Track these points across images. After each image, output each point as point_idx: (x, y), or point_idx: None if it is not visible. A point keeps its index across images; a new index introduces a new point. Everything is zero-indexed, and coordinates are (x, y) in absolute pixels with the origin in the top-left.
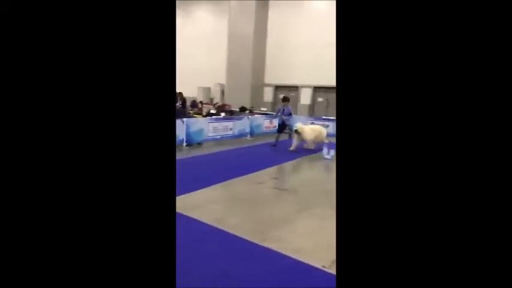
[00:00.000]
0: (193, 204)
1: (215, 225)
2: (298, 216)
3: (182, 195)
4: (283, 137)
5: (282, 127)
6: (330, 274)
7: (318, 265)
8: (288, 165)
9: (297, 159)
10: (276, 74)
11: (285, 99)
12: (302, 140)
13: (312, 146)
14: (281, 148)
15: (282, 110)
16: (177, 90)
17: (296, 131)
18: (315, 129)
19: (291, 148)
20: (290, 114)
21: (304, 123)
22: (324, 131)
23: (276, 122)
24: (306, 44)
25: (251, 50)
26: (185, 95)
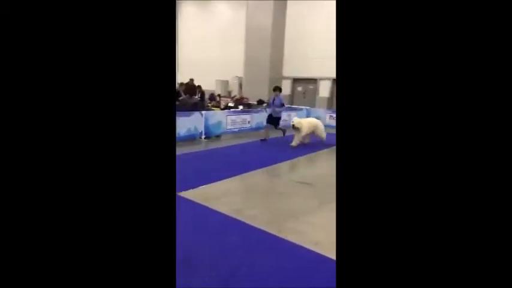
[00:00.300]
0: (212, 195)
1: (233, 216)
2: (316, 209)
3: (201, 187)
4: (277, 133)
5: (273, 120)
6: None
7: None
8: (306, 158)
9: (316, 152)
10: (294, 66)
11: (276, 89)
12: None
13: (306, 141)
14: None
15: (272, 100)
16: (196, 84)
17: (293, 126)
18: (311, 123)
19: (293, 144)
20: (282, 105)
21: (321, 116)
22: (321, 125)
23: (293, 115)
24: (325, 36)
25: (269, 42)
26: (203, 88)
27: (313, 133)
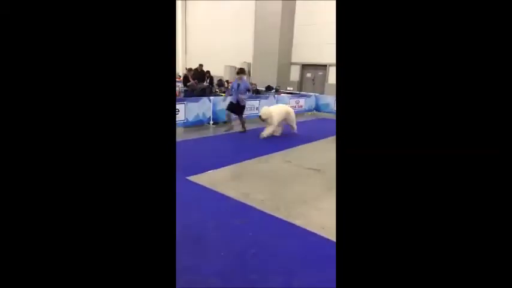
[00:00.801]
0: (219, 180)
1: (241, 200)
2: (324, 195)
3: (209, 171)
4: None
5: (236, 107)
6: None
7: None
8: (315, 145)
9: (328, 138)
10: (304, 52)
11: (241, 72)
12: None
13: (278, 132)
14: (309, 127)
15: (236, 86)
16: (204, 69)
17: (260, 117)
18: (281, 111)
19: (263, 134)
20: (248, 90)
21: (330, 103)
22: (292, 112)
23: (302, 101)
24: (335, 22)
25: (279, 28)
26: (212, 73)
27: (284, 121)
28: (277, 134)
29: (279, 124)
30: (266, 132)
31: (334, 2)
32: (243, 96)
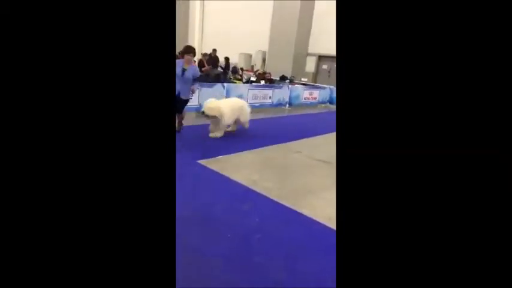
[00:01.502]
0: (228, 165)
1: (250, 186)
2: (332, 186)
3: (219, 157)
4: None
5: (178, 101)
6: None
7: None
8: (326, 137)
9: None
10: (321, 42)
11: (186, 51)
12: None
13: (233, 129)
14: (321, 119)
15: (180, 72)
16: (218, 55)
17: (203, 113)
18: (235, 106)
19: (213, 134)
20: (195, 80)
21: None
22: (246, 107)
23: (316, 93)
24: None
25: (297, 17)
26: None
27: (237, 119)
28: (232, 129)
29: (234, 122)
30: (216, 134)
31: None
32: (193, 88)
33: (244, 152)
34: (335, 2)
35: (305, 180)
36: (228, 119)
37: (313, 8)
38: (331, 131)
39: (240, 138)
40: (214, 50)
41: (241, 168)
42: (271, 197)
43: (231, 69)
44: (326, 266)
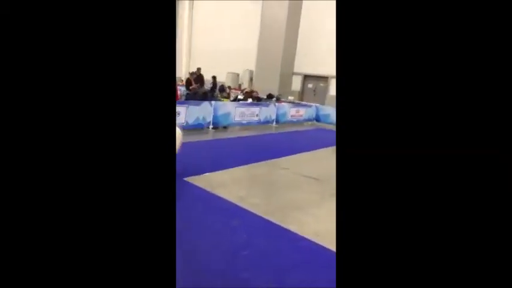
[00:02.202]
0: (216, 182)
1: (237, 203)
2: (319, 202)
3: (206, 174)
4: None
5: None
6: None
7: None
8: (314, 154)
9: (323, 149)
10: (306, 63)
11: None
12: None
13: None
14: (308, 136)
15: None
16: (209, 75)
17: None
18: None
19: None
20: None
21: (331, 114)
22: (180, 133)
23: (302, 111)
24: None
25: (283, 37)
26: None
27: None
28: None
29: None
30: None
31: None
32: None
33: (231, 169)
34: (316, 26)
35: (292, 197)
36: None
37: (298, 29)
38: (318, 148)
39: (227, 155)
40: (199, 69)
41: (228, 185)
42: (258, 213)
43: (218, 87)
44: (313, 282)
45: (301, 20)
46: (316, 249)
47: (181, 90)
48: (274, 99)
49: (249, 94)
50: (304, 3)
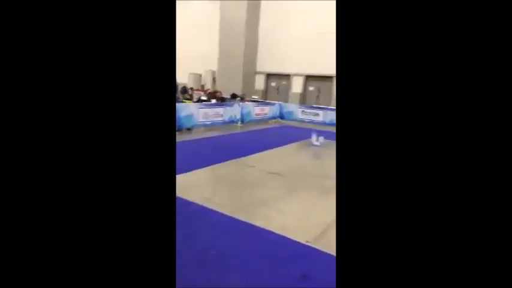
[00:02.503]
0: (182, 185)
1: (203, 204)
2: (285, 197)
3: None
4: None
5: None
6: (313, 248)
7: (302, 240)
8: (278, 150)
9: (288, 145)
10: (268, 62)
11: None
12: None
13: None
14: (273, 134)
15: None
16: None
17: None
18: None
19: None
20: None
21: (294, 111)
22: None
23: (266, 109)
24: (298, 32)
25: (243, 37)
26: (177, 81)
27: None
28: None
29: None
30: None
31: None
32: None
33: (197, 171)
34: (276, 25)
35: (258, 193)
36: None
37: (257, 28)
38: (282, 144)
39: (192, 157)
40: None
41: (193, 187)
42: (225, 213)
43: (180, 89)
44: (280, 275)
45: (261, 19)
46: (282, 241)
47: None
48: (238, 98)
49: (212, 95)
50: (263, 3)
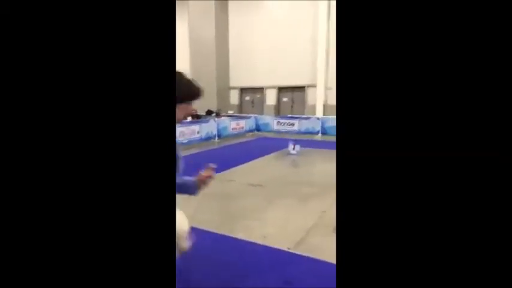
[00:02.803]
0: None
1: None
2: (265, 207)
3: None
4: None
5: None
6: (295, 254)
7: (284, 247)
8: (257, 162)
9: (266, 156)
10: (241, 76)
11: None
12: None
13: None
14: (251, 147)
15: None
16: None
17: None
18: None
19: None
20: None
21: (269, 123)
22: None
23: (242, 123)
24: (268, 46)
25: (214, 53)
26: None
27: None
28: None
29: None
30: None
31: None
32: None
33: None
34: (246, 40)
35: (239, 206)
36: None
37: (228, 44)
38: (261, 156)
39: None
40: None
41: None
42: (207, 229)
43: None
44: (264, 282)
45: (230, 35)
46: (264, 250)
47: None
48: (214, 114)
49: None
50: (230, 19)
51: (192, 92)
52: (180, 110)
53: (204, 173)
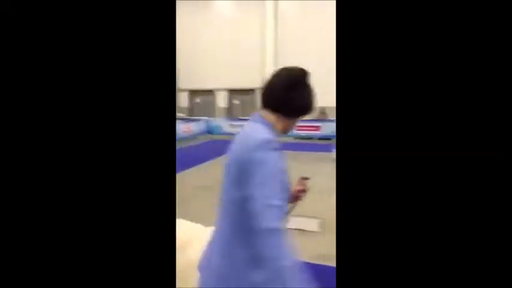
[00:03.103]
0: None
1: None
2: (211, 208)
3: None
4: None
5: None
6: None
7: None
8: (208, 165)
9: (217, 159)
10: (190, 78)
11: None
12: None
13: None
14: (202, 150)
15: None
16: None
17: None
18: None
19: None
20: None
21: (222, 125)
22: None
23: (193, 126)
24: (217, 48)
25: None
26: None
27: None
28: None
29: None
30: None
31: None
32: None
33: None
34: (195, 41)
35: (186, 209)
36: None
37: (175, 44)
38: (212, 158)
39: None
40: None
41: None
42: None
43: None
44: None
45: (178, 37)
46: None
47: None
48: None
49: None
50: (178, 21)
51: (310, 106)
52: (292, 123)
53: (297, 187)
